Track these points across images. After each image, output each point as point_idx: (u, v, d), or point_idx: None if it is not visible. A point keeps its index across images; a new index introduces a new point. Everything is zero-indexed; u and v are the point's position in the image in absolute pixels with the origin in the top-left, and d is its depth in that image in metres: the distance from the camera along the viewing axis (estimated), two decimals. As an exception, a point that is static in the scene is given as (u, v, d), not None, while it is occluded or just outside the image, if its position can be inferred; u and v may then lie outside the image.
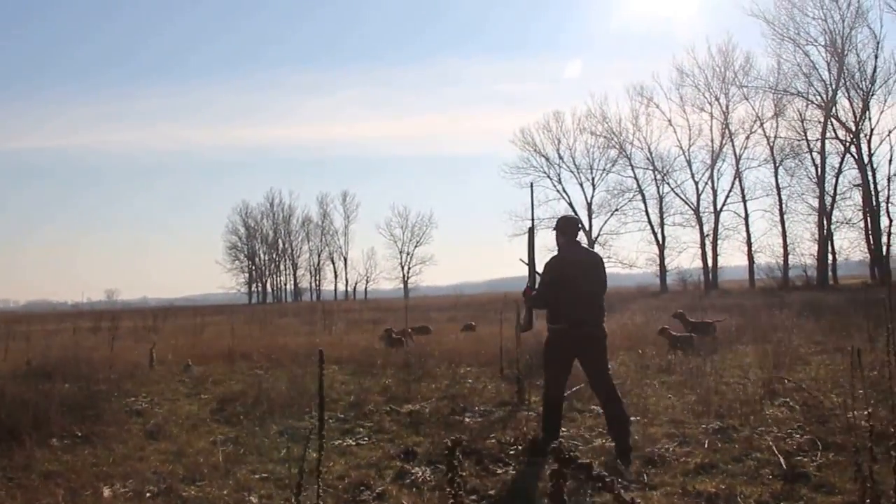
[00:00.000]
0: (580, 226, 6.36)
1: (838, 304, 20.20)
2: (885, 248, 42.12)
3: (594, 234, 55.67)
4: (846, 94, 43.22)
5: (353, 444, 6.73)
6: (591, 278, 6.04)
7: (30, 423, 7.09)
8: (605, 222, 55.62)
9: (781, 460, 5.26)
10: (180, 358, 13.23)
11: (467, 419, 7.47)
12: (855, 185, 43.54)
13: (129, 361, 12.63)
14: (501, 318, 11.00)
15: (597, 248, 54.50)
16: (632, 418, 6.36)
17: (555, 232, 6.29)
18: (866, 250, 43.54)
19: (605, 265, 6.31)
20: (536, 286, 6.32)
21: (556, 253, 6.19)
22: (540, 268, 6.28)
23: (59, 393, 8.89)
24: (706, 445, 5.99)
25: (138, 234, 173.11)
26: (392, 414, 7.93)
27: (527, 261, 6.53)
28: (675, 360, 10.72)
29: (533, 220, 7.10)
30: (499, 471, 5.64)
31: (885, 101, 42.60)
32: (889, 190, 42.97)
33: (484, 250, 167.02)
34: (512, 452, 6.06)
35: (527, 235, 6.72)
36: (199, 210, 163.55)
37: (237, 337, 16.36)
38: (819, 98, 44.33)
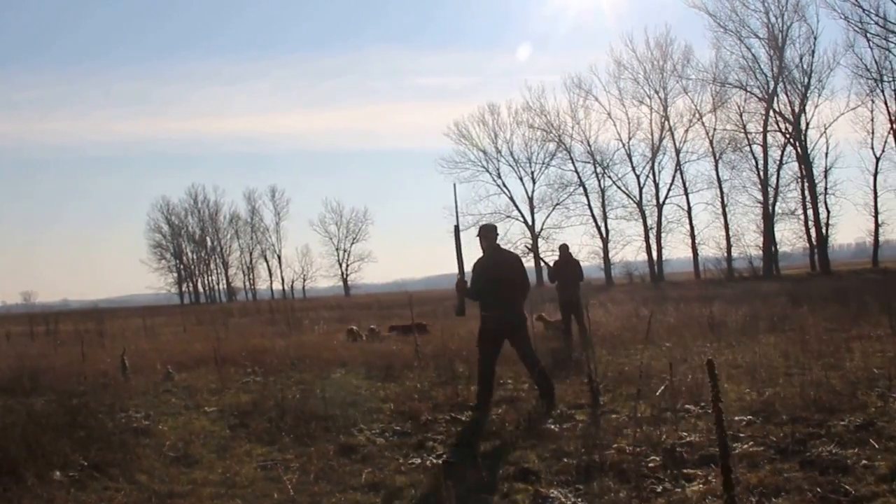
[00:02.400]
0: (498, 232, 7.65)
1: (822, 292, 20.16)
2: (825, 239, 43.51)
3: (537, 229, 55.42)
4: (785, 89, 44.41)
5: (438, 461, 5.58)
6: (512, 275, 7.34)
7: (22, 451, 5.63)
8: (548, 216, 55.44)
9: None
10: (153, 365, 11.70)
11: (552, 426, 6.41)
12: (802, 177, 44.68)
13: (96, 370, 11.02)
14: (533, 316, 10.03)
15: (540, 242, 54.46)
16: (746, 417, 6.19)
17: (479, 238, 7.52)
18: (807, 241, 44.90)
19: (551, 260, 7.91)
20: (468, 279, 7.41)
21: (482, 254, 7.44)
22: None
23: (36, 411, 7.41)
24: (877, 446, 5.13)
25: (51, 234, 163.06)
26: (456, 424, 6.81)
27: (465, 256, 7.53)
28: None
29: (457, 219, 8.09)
30: (658, 488, 4.62)
31: (819, 95, 44.04)
32: (826, 182, 44.42)
33: (420, 247, 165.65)
34: (651, 465, 5.06)
35: (454, 234, 7.69)
36: (117, 207, 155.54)
37: (206, 340, 14.84)
38: (760, 91, 45.33)
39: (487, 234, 7.51)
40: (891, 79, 41.60)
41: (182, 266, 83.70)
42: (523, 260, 7.83)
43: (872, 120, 42.83)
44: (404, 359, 10.78)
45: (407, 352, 11.37)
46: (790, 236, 46.30)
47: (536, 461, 5.37)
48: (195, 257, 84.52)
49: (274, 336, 16.69)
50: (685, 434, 5.76)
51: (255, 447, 6.37)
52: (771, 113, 44.87)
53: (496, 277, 7.22)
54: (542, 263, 12.69)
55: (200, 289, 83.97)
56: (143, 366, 11.55)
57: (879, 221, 43.47)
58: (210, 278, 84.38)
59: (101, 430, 7.15)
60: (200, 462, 5.92)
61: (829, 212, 44.25)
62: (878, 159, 43.12)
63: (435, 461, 5.61)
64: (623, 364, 9.85)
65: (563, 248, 12.34)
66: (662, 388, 7.15)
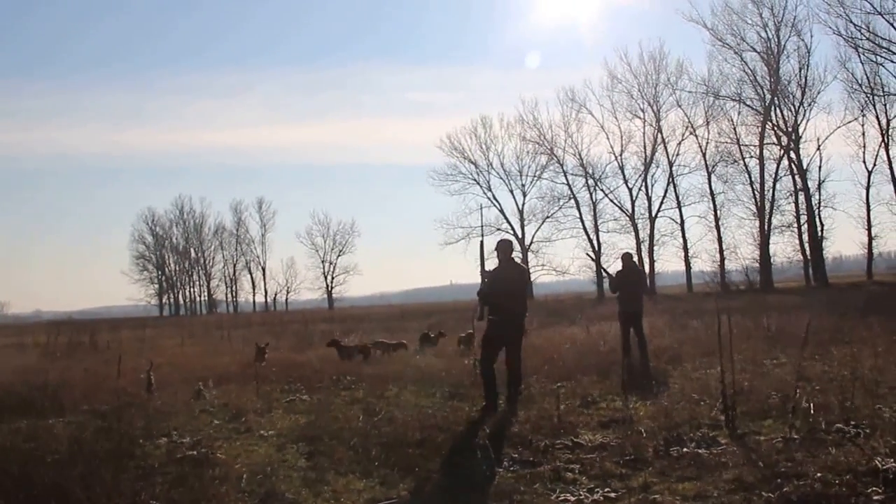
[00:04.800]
0: (514, 247, 8.45)
1: (855, 303, 19.49)
2: (821, 252, 43.37)
3: (527, 242, 54.72)
4: (778, 103, 44.29)
5: (601, 498, 4.62)
6: (518, 286, 8.17)
7: (84, 490, 4.55)
8: (538, 229, 54.80)
9: None
10: (175, 381, 10.56)
11: (701, 451, 5.47)
12: (798, 190, 44.58)
13: (115, 387, 9.86)
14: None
15: (529, 255, 53.79)
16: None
17: (496, 251, 8.25)
18: (801, 254, 44.72)
19: (540, 273, 9.34)
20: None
21: (497, 265, 8.18)
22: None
23: (81, 439, 6.33)
24: None
25: (28, 244, 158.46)
26: (582, 450, 5.83)
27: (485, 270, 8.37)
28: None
29: (483, 236, 9.45)
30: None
31: (811, 109, 44.09)
32: (820, 195, 44.31)
33: (400, 260, 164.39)
34: (878, 498, 4.14)
35: (479, 249, 8.65)
36: (95, 218, 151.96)
37: (229, 354, 13.78)
38: (758, 104, 45.15)
39: (503, 248, 8.24)
40: (881, 93, 41.74)
41: (164, 277, 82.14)
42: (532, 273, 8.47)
43: (864, 134, 42.84)
44: (459, 375, 9.78)
45: (457, 367, 10.39)
46: (786, 249, 46.10)
47: (722, 495, 4.43)
48: (178, 268, 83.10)
49: (289, 350, 15.59)
50: (881, 459, 4.85)
51: (350, 481, 5.34)
52: (768, 126, 44.72)
53: (504, 287, 7.97)
54: (604, 274, 11.82)
55: (181, 300, 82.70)
56: (163, 382, 10.38)
57: (872, 234, 43.48)
58: (192, 290, 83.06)
59: (150, 458, 6.10)
60: (300, 503, 4.88)
61: (822, 225, 44.19)
62: (870, 173, 43.03)
63: (587, 495, 4.65)
64: (699, 379, 9.01)
65: (627, 257, 11.45)
66: (812, 405, 6.28)
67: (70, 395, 9.22)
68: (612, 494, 4.65)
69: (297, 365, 11.70)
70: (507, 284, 8.04)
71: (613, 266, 49.27)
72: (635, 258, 11.82)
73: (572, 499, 4.63)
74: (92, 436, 6.57)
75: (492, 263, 8.33)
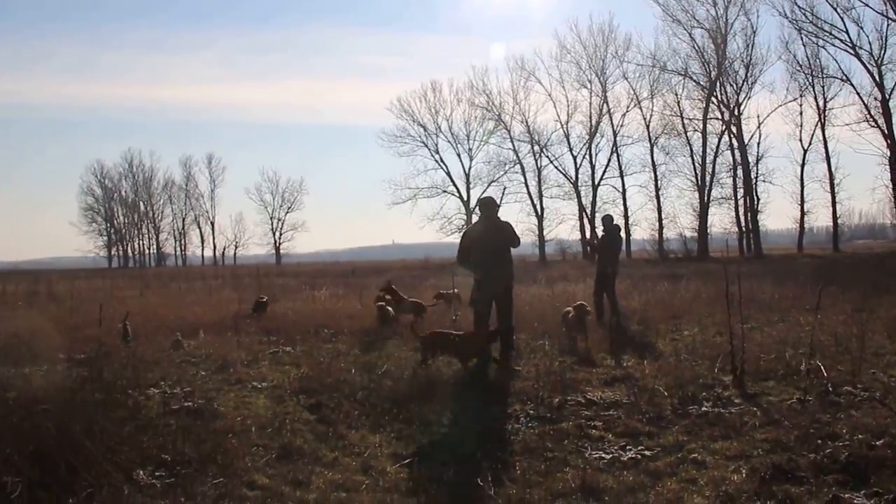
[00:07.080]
0: (498, 205, 8.32)
1: (803, 272, 20.17)
2: (757, 225, 44.90)
3: (472, 205, 54.81)
4: (723, 80, 45.03)
5: (637, 456, 4.55)
6: (497, 240, 7.90)
7: (98, 446, 4.20)
8: (483, 192, 54.84)
9: None
10: (149, 331, 10.12)
11: (724, 412, 5.42)
12: (737, 164, 45.78)
13: (88, 336, 9.35)
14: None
15: (473, 218, 53.82)
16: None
17: (477, 207, 8.43)
18: (737, 226, 46.19)
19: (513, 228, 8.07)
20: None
21: (478, 222, 8.19)
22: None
23: (55, 386, 5.93)
24: None
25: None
26: (598, 407, 5.76)
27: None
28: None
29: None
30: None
31: (752, 87, 45.20)
32: (757, 170, 45.70)
33: (345, 219, 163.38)
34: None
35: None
36: (43, 169, 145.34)
37: (184, 305, 13.26)
38: (702, 79, 45.88)
39: (488, 205, 8.15)
40: (820, 75, 43.02)
41: (113, 230, 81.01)
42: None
43: (801, 114, 44.21)
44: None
45: (437, 323, 10.24)
46: (723, 220, 47.51)
47: (763, 455, 4.41)
48: (126, 221, 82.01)
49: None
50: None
51: (364, 435, 5.16)
52: (712, 101, 45.61)
53: (481, 243, 7.86)
54: (587, 236, 11.76)
55: (130, 253, 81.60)
56: (135, 332, 9.89)
57: (805, 210, 45.27)
58: (141, 243, 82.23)
59: (144, 409, 5.75)
60: (320, 457, 4.68)
61: (758, 199, 45.67)
62: (805, 151, 44.59)
63: (621, 453, 4.58)
64: (679, 340, 9.13)
65: (607, 220, 11.43)
66: (823, 368, 6.34)
67: (45, 344, 8.70)
68: (648, 453, 4.58)
69: (272, 317, 11.40)
70: (486, 242, 7.88)
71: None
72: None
73: (607, 457, 4.54)
74: (79, 385, 6.14)
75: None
